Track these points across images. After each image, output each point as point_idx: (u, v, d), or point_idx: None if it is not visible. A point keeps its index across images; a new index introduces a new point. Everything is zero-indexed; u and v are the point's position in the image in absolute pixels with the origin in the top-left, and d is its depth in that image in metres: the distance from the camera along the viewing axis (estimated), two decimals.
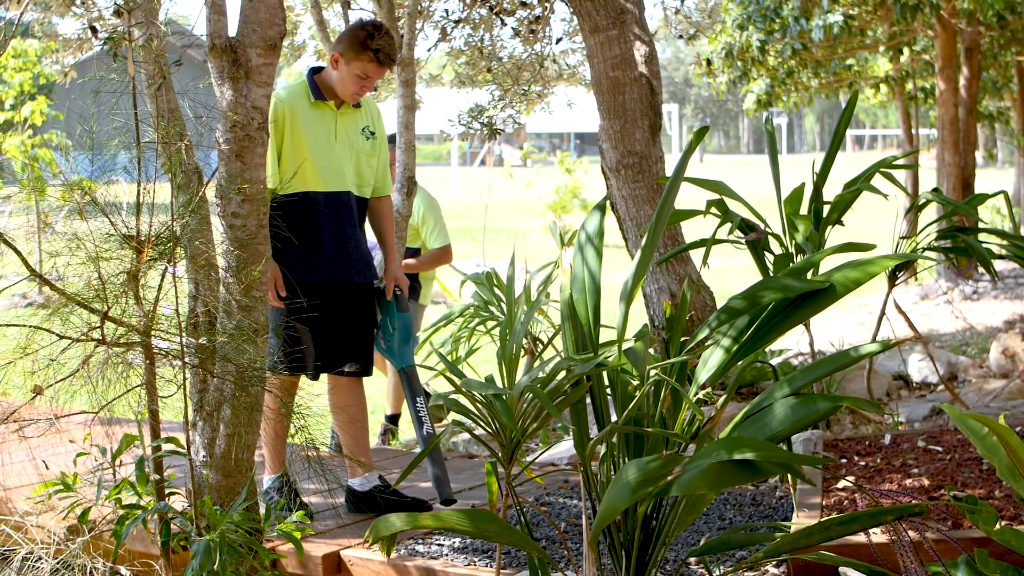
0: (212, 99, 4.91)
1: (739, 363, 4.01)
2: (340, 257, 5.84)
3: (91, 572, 4.72)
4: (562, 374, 3.99)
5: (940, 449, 5.93)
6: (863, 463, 5.81)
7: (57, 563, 4.75)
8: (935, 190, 6.81)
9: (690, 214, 6.53)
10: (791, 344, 10.26)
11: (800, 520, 4.76)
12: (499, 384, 4.15)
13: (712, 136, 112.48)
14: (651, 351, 4.64)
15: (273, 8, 4.85)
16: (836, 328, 14.19)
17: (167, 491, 4.64)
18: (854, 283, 3.80)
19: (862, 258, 3.96)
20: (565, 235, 8.84)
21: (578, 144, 74.61)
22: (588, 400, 4.16)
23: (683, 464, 3.50)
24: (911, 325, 6.64)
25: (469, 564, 5.05)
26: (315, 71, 5.90)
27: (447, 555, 5.17)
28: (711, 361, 3.92)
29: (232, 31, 4.87)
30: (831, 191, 6.56)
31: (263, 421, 5.18)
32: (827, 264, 5.04)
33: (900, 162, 6.58)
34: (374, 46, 5.70)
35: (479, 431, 4.18)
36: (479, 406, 4.09)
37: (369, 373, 6.12)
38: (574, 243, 4.27)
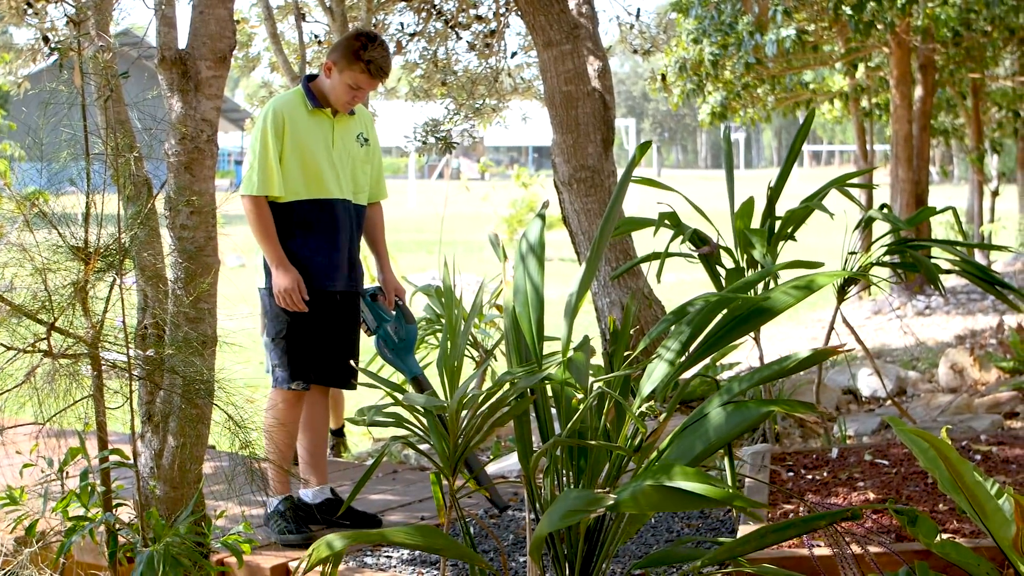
0: (162, 110, 4.90)
1: (682, 376, 4.03)
2: (341, 265, 5.76)
3: None
4: (506, 386, 4.00)
5: (887, 463, 5.98)
6: (810, 476, 5.85)
7: (4, 574, 4.73)
8: (883, 207, 6.86)
9: (641, 224, 6.53)
10: (742, 358, 10.31)
11: (743, 530, 4.79)
12: (441, 394, 4.15)
13: (670, 150, 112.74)
14: (599, 364, 4.65)
15: (223, 21, 4.85)
16: (789, 342, 14.28)
17: (115, 503, 4.63)
18: (795, 299, 3.83)
19: (805, 274, 3.99)
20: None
21: (536, 158, 74.78)
22: (533, 413, 4.17)
23: (618, 491, 3.52)
24: (858, 339, 6.68)
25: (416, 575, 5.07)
26: (309, 79, 5.80)
27: (395, 567, 5.18)
28: (655, 374, 3.93)
29: (182, 43, 4.87)
30: (788, 206, 6.55)
31: (266, 439, 5.11)
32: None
33: (855, 181, 6.60)
34: (366, 57, 5.60)
35: (424, 445, 4.18)
36: (421, 419, 4.10)
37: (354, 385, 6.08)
38: (516, 254, 4.24)
